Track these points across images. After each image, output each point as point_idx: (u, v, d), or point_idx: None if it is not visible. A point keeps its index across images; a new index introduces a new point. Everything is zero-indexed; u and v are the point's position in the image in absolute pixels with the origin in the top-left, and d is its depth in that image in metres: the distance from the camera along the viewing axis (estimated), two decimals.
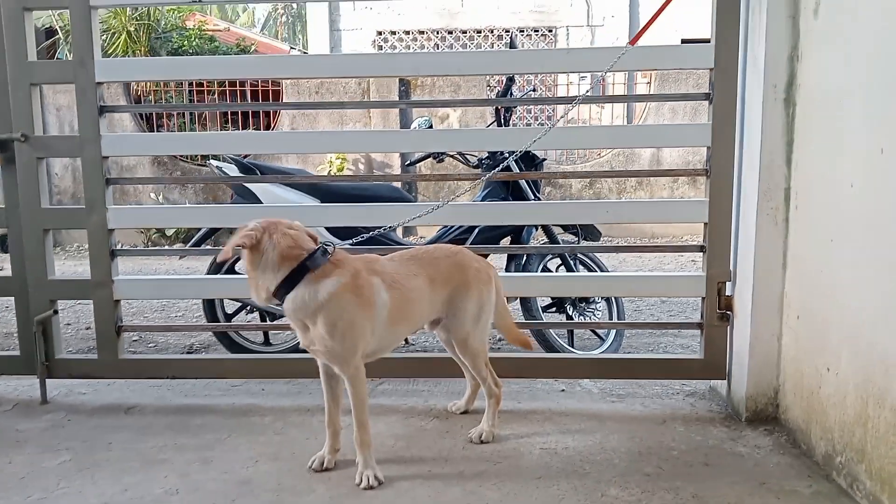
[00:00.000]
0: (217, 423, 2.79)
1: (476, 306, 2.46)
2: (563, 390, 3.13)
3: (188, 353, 4.25)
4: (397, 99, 9.20)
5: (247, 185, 3.69)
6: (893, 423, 1.89)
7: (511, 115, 3.75)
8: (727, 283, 2.81)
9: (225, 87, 10.69)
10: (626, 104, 11.70)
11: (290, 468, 2.37)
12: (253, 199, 3.68)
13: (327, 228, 3.59)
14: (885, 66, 1.95)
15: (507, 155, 3.66)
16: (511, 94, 3.74)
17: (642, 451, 2.45)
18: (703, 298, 2.86)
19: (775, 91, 2.49)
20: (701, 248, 2.86)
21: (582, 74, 11.10)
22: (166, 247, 8.99)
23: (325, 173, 9.01)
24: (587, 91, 3.02)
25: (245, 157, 3.78)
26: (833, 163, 2.23)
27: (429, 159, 4.03)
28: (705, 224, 2.80)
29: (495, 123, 3.81)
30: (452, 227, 3.70)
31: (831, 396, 2.24)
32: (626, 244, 5.05)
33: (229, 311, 3.91)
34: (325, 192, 3.62)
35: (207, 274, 3.68)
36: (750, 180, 2.61)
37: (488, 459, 2.40)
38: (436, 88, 9.48)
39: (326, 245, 2.18)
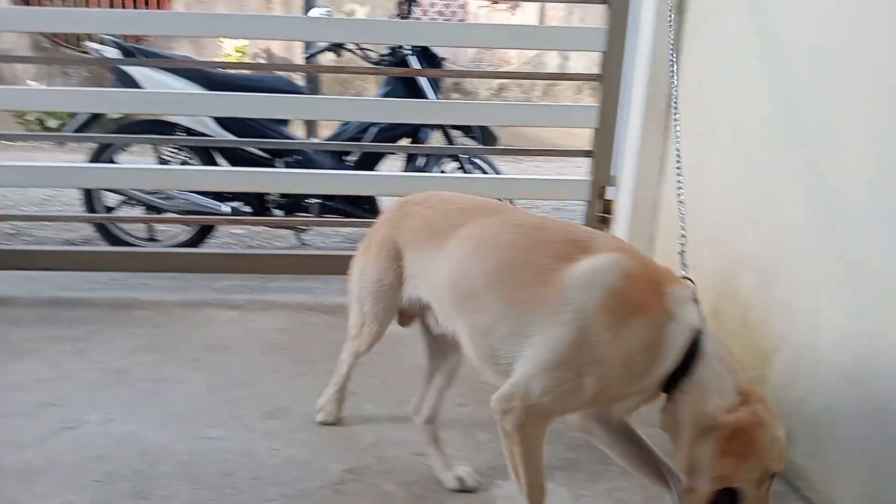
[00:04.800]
0: (94, 315, 2.70)
1: None
2: None
3: None
4: None
5: (126, 69, 3.45)
6: (742, 316, 2.05)
7: (410, 6, 3.63)
8: (608, 187, 2.91)
9: None
10: (540, 6, 11.44)
11: (169, 359, 2.34)
12: (134, 85, 3.45)
13: (217, 120, 3.44)
14: None
15: (408, 51, 3.58)
16: None
17: None
18: (588, 202, 2.96)
19: None
20: (588, 154, 2.93)
21: None
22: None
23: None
24: None
25: (130, 40, 3.51)
26: (713, 71, 2.31)
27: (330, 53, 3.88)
28: (596, 130, 2.86)
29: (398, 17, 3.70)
30: (351, 123, 3.62)
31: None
32: (518, 148, 5.10)
33: (110, 203, 3.73)
34: (214, 81, 3.43)
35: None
36: (638, 86, 2.66)
37: (376, 351, 2.46)
38: None
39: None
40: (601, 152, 2.86)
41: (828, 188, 1.66)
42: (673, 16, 2.50)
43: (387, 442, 1.90)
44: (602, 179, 2.90)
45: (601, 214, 2.93)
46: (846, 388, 1.56)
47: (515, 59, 9.65)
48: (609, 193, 2.93)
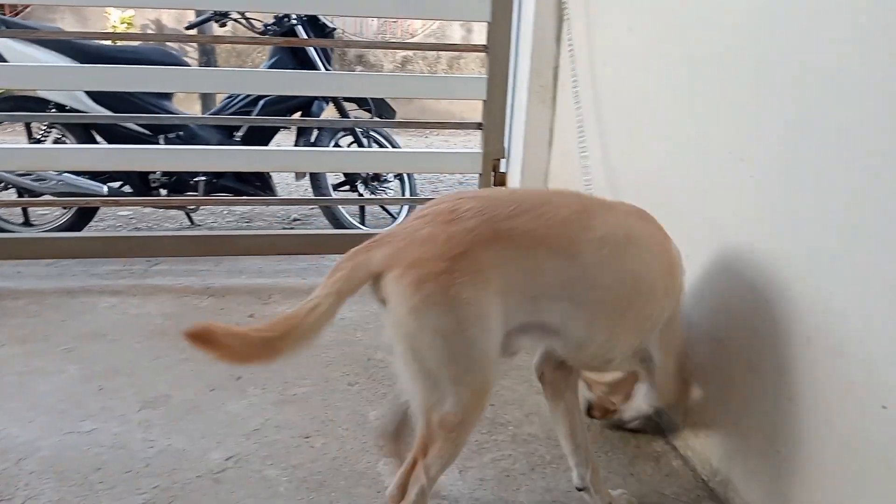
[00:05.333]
0: None
1: None
2: None
3: None
4: None
5: None
6: None
7: None
8: (502, 160, 2.91)
9: None
10: None
11: (40, 350, 2.20)
12: None
13: (90, 95, 3.22)
14: None
15: (295, 21, 3.46)
16: None
17: None
18: (480, 175, 2.95)
19: None
20: (479, 126, 2.92)
21: None
22: None
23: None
24: None
25: (7, 12, 3.22)
26: (592, 41, 2.33)
27: (213, 23, 3.70)
28: (484, 101, 2.85)
29: None
30: (237, 96, 3.47)
31: None
32: (410, 121, 5.07)
33: None
34: (86, 54, 3.19)
35: None
36: (524, 57, 2.67)
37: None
38: None
39: None
40: (491, 125, 2.85)
41: (698, 152, 1.70)
42: None
43: (271, 426, 1.84)
44: (496, 152, 2.89)
45: (496, 187, 2.94)
46: (713, 347, 1.62)
47: (420, 31, 9.55)
48: (504, 166, 2.93)
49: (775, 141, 1.38)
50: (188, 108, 7.68)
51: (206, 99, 6.68)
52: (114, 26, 8.31)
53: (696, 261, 1.69)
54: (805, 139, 1.30)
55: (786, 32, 1.36)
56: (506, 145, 2.89)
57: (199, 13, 3.94)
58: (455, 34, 9.35)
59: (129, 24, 8.36)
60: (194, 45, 7.96)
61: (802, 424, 1.30)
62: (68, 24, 7.72)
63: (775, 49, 1.39)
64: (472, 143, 7.75)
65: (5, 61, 3.14)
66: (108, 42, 4.01)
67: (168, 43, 5.94)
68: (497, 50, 2.74)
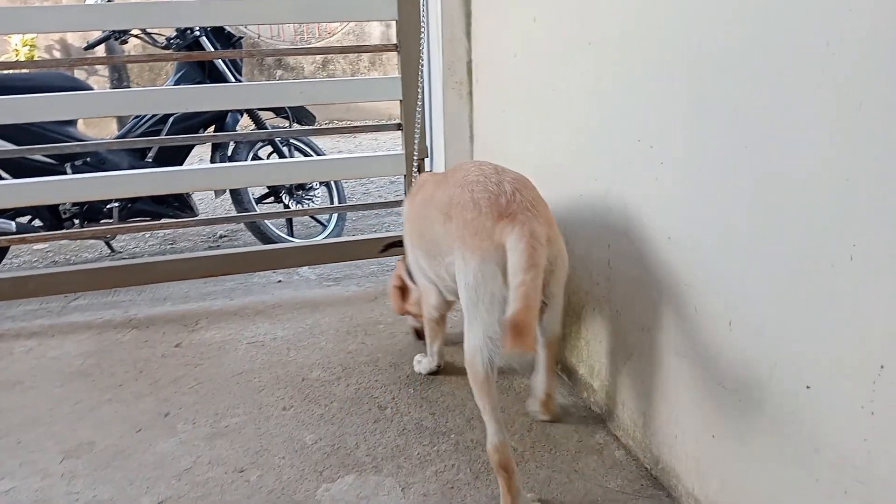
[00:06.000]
0: None
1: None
2: (279, 281, 3.08)
3: None
4: None
5: None
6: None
7: None
8: (426, 159, 2.87)
9: None
10: None
11: None
12: None
13: None
14: None
15: (199, 33, 3.33)
16: None
17: (349, 330, 2.50)
18: (405, 176, 2.90)
19: None
20: (399, 127, 2.86)
21: None
22: None
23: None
24: None
25: None
26: (501, 34, 2.30)
27: (113, 41, 3.53)
28: (400, 101, 2.79)
29: None
30: (145, 115, 3.32)
31: None
32: (331, 127, 4.96)
33: None
34: None
35: None
36: (436, 54, 2.63)
37: (189, 363, 2.29)
38: None
39: None
40: (410, 124, 2.79)
41: (603, 140, 1.69)
42: None
43: (203, 464, 1.76)
44: (420, 151, 2.84)
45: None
46: (642, 337, 1.62)
47: (339, 30, 9.40)
48: (428, 165, 2.89)
49: (681, 126, 1.38)
50: (102, 131, 7.38)
51: (123, 120, 6.42)
52: (15, 49, 7.90)
53: (617, 249, 1.68)
54: (706, 123, 1.30)
55: (681, 15, 1.35)
56: (428, 144, 2.85)
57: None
58: (375, 31, 9.24)
59: (31, 45, 7.96)
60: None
61: (733, 408, 1.31)
62: None
63: (672, 33, 1.38)
64: (399, 140, 7.70)
65: None
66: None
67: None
68: (408, 48, 2.68)
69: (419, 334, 2.30)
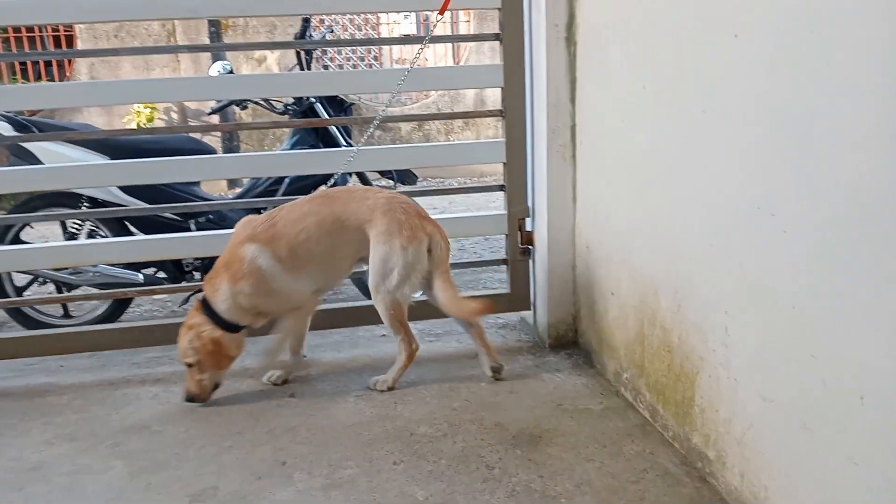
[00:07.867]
0: (7, 407, 2.54)
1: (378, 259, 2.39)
2: (383, 335, 3.16)
3: None
4: (208, 42, 8.59)
5: (24, 144, 3.32)
6: (663, 339, 2.08)
7: (312, 57, 3.62)
8: (527, 219, 2.93)
9: (21, 33, 9.42)
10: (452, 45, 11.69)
11: (87, 447, 2.22)
12: (33, 160, 3.31)
13: (121, 187, 3.32)
14: (643, 4, 2.06)
15: (314, 100, 3.56)
16: (309, 35, 3.61)
17: (452, 387, 2.54)
18: (507, 235, 2.97)
19: (557, 30, 2.57)
20: (501, 188, 2.95)
21: (405, 13, 10.97)
22: None
23: (134, 126, 8.32)
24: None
25: (30, 113, 3.38)
26: (605, 99, 2.36)
27: (234, 107, 3.83)
28: (504, 164, 2.88)
29: (297, 67, 3.67)
30: (260, 178, 3.56)
31: (617, 319, 2.43)
32: (436, 189, 5.13)
33: (20, 284, 3.56)
34: (116, 147, 3.33)
35: None
36: (540, 119, 2.70)
37: (302, 414, 2.39)
38: (250, 29, 8.96)
39: None
40: (513, 185, 2.88)
41: (720, 208, 1.70)
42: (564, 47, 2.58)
43: None
44: (519, 212, 2.92)
45: (523, 246, 2.95)
46: (764, 407, 1.58)
47: (434, 92, 9.75)
48: (529, 224, 2.95)
49: (804, 194, 1.37)
50: (214, 188, 7.90)
51: (232, 180, 6.87)
52: (137, 111, 8.62)
53: (735, 316, 1.67)
54: (829, 192, 1.29)
55: (794, 86, 1.36)
56: (530, 204, 2.91)
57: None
58: (469, 92, 9.53)
59: (152, 108, 8.66)
60: None
61: (866, 487, 1.26)
62: (92, 113, 8.03)
63: (785, 101, 1.39)
64: (496, 197, 7.83)
65: (40, 163, 3.27)
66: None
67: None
68: (513, 113, 2.78)
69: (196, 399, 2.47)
